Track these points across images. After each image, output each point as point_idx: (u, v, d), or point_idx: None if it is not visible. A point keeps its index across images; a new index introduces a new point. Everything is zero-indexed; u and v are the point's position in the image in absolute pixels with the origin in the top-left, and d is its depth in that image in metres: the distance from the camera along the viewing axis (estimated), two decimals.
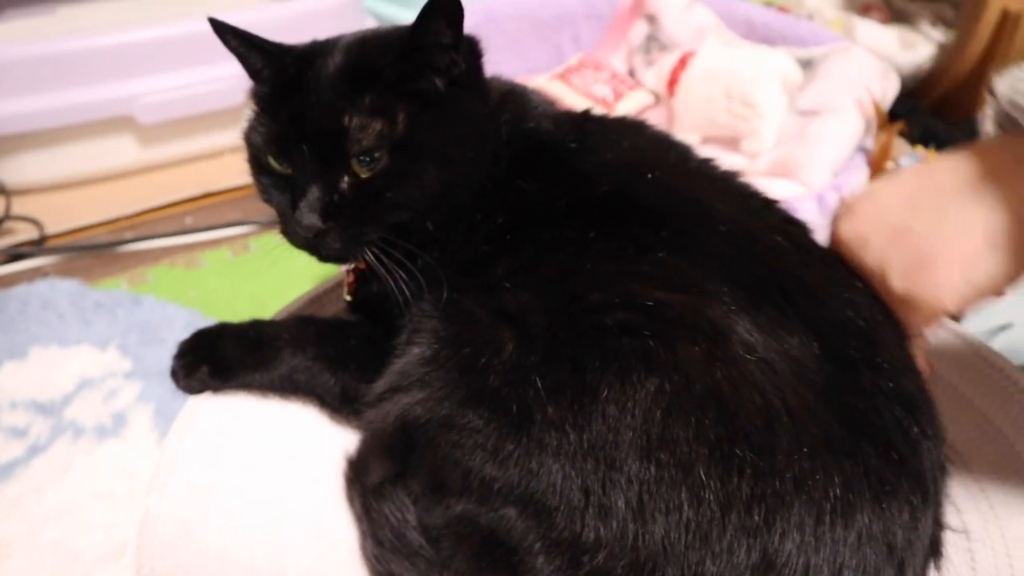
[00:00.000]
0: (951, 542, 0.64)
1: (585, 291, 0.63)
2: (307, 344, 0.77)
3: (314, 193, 0.68)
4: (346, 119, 0.68)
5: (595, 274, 0.64)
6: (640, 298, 0.61)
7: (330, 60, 0.71)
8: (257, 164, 0.74)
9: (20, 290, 1.40)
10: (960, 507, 0.69)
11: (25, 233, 1.61)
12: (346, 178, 0.69)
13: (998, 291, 0.63)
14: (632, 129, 0.82)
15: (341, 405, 0.78)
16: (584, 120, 0.82)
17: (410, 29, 0.68)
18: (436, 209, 0.72)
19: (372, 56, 0.71)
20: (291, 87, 0.70)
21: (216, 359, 0.78)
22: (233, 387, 0.78)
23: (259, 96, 0.74)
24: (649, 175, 0.72)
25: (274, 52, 0.72)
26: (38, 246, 1.58)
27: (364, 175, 0.69)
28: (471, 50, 0.75)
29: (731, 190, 0.77)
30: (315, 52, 0.72)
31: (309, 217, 0.68)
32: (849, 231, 0.70)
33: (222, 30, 0.72)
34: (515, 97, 0.81)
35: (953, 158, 0.66)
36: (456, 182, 0.72)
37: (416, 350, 0.67)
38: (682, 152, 0.81)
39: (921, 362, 0.69)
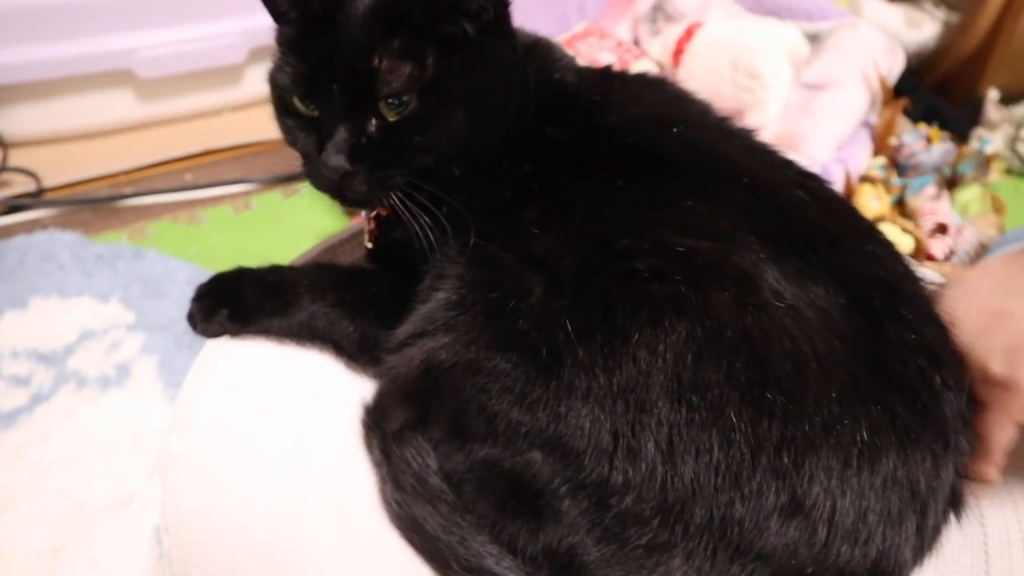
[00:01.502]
0: None
1: (614, 237, 0.63)
2: (326, 290, 0.77)
3: (341, 135, 0.68)
4: (376, 61, 0.67)
5: (624, 221, 0.64)
6: (670, 244, 0.61)
7: (359, 2, 0.70)
8: (282, 105, 0.73)
9: (19, 241, 1.38)
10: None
11: (21, 186, 1.59)
12: (374, 120, 0.69)
13: None
14: (654, 85, 0.82)
15: (359, 352, 0.78)
16: (607, 75, 0.82)
17: None
18: (463, 154, 0.71)
19: None
20: (319, 28, 0.69)
21: (235, 303, 0.77)
22: (251, 332, 0.78)
23: (285, 37, 0.73)
24: (674, 129, 0.73)
25: None
26: (36, 198, 1.56)
27: (392, 118, 0.68)
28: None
29: (751, 146, 0.77)
30: None
31: (336, 159, 0.67)
32: (959, 314, 0.67)
33: None
34: (541, 48, 0.80)
35: None
36: (483, 128, 0.72)
37: (441, 295, 0.67)
38: (702, 108, 0.81)
39: (996, 461, 0.67)
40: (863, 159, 1.50)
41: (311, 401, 0.76)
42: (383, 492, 0.69)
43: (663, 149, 0.71)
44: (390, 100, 0.68)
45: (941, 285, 0.71)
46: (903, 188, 1.50)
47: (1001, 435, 0.65)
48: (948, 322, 0.67)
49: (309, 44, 0.70)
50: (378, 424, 0.71)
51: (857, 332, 0.60)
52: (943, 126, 1.66)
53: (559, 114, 0.74)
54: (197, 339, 0.79)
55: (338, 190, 0.70)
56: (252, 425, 0.72)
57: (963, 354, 0.65)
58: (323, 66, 0.68)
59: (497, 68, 0.73)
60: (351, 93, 0.68)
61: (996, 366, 0.64)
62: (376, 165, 0.69)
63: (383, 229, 0.79)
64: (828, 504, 0.54)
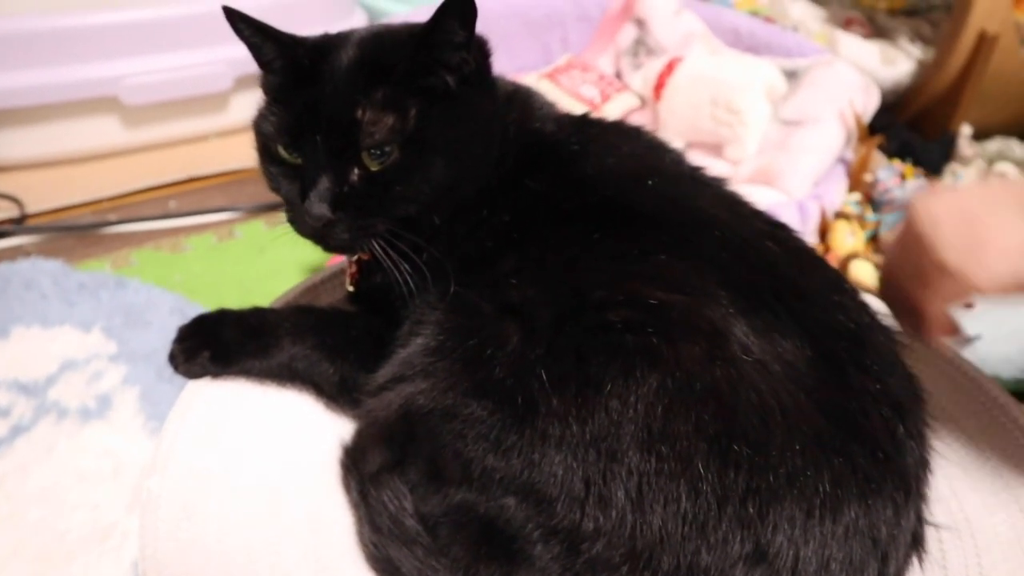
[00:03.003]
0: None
1: (589, 288, 0.65)
2: (307, 333, 0.78)
3: (324, 184, 0.69)
4: (359, 112, 0.69)
5: (599, 273, 0.66)
6: (643, 297, 0.63)
7: (344, 53, 0.72)
8: (266, 153, 0.74)
9: (1, 268, 1.39)
10: (932, 508, 0.72)
11: (4, 211, 1.59)
12: (356, 170, 0.70)
13: None
14: (630, 135, 0.84)
15: (339, 394, 0.79)
16: (584, 123, 0.84)
17: (424, 27, 0.69)
18: (443, 203, 0.73)
19: (386, 51, 0.72)
20: (304, 78, 0.71)
21: (217, 345, 0.78)
22: (233, 373, 0.79)
23: (270, 86, 0.75)
24: (649, 181, 0.75)
25: (288, 43, 0.73)
26: (19, 224, 1.56)
27: (374, 168, 0.70)
28: (480, 50, 0.76)
29: (722, 196, 0.79)
30: (328, 45, 0.73)
31: (319, 207, 0.69)
32: (926, 211, 0.78)
33: (234, 18, 0.73)
34: (520, 97, 0.82)
35: None
36: (464, 178, 0.74)
37: (420, 340, 0.69)
38: (676, 159, 0.83)
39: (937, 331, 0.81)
40: (838, 195, 1.53)
41: (291, 442, 0.77)
42: (360, 533, 0.70)
43: (638, 202, 0.73)
44: (372, 150, 0.70)
45: (936, 189, 0.85)
46: (878, 224, 1.53)
47: (937, 311, 0.80)
48: (911, 372, 0.70)
49: (294, 94, 0.72)
50: (356, 465, 0.72)
51: (822, 383, 0.62)
52: (917, 162, 1.69)
53: (538, 164, 0.76)
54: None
55: (321, 237, 0.72)
56: (232, 466, 0.73)
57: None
58: (307, 116, 0.70)
59: (477, 119, 0.75)
60: (334, 143, 0.69)
61: (948, 255, 0.75)
62: (358, 213, 0.71)
63: (364, 273, 0.80)
64: (791, 553, 0.56)
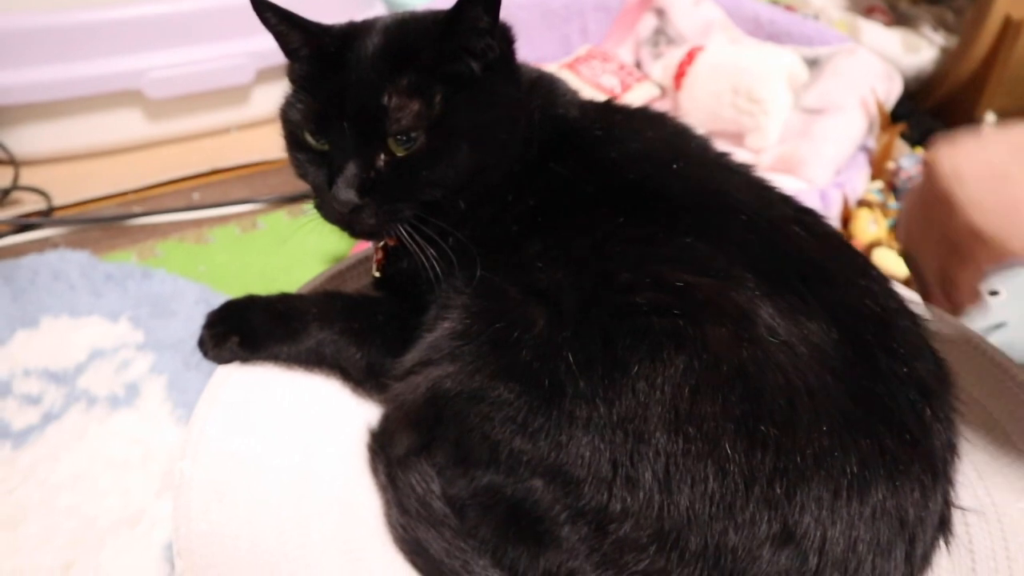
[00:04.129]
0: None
1: (615, 271, 0.65)
2: (334, 318, 0.79)
3: (351, 170, 0.70)
4: (385, 98, 0.70)
5: (624, 256, 0.67)
6: (669, 279, 0.63)
7: (369, 41, 0.72)
8: (294, 140, 0.75)
9: (30, 260, 1.41)
10: (959, 492, 0.72)
11: (32, 204, 1.62)
12: (383, 156, 0.71)
13: None
14: (655, 120, 0.84)
15: (366, 378, 0.80)
16: (608, 109, 0.84)
17: (448, 13, 0.70)
18: (469, 188, 0.74)
19: (411, 38, 0.73)
20: (330, 66, 0.72)
21: (246, 330, 0.79)
22: (261, 358, 0.80)
23: (297, 74, 0.76)
24: (674, 165, 0.75)
25: (314, 31, 0.74)
26: (47, 217, 1.58)
27: (400, 153, 0.71)
28: (504, 36, 0.77)
29: (749, 182, 0.79)
30: (354, 33, 0.74)
31: (346, 193, 0.70)
32: (949, 165, 0.73)
33: (261, 7, 0.73)
34: (544, 84, 0.83)
35: None
36: (489, 163, 0.74)
37: (447, 324, 0.69)
38: (702, 144, 0.83)
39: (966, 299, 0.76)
40: (861, 183, 1.52)
41: (319, 426, 0.78)
42: (388, 515, 0.71)
43: (663, 185, 0.73)
44: (398, 136, 0.70)
45: (955, 139, 0.77)
46: (900, 212, 1.52)
47: (970, 278, 0.75)
48: (940, 357, 0.69)
49: (320, 81, 0.73)
50: (384, 449, 0.73)
51: (849, 366, 0.62)
52: None
53: (562, 149, 0.76)
54: (206, 360, 0.81)
55: (347, 222, 0.73)
56: (262, 450, 0.74)
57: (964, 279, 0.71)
58: (334, 103, 0.71)
59: (502, 105, 0.75)
60: (361, 129, 0.70)
61: (978, 217, 0.70)
62: (385, 199, 0.71)
63: (390, 259, 0.81)
64: (819, 534, 0.56)
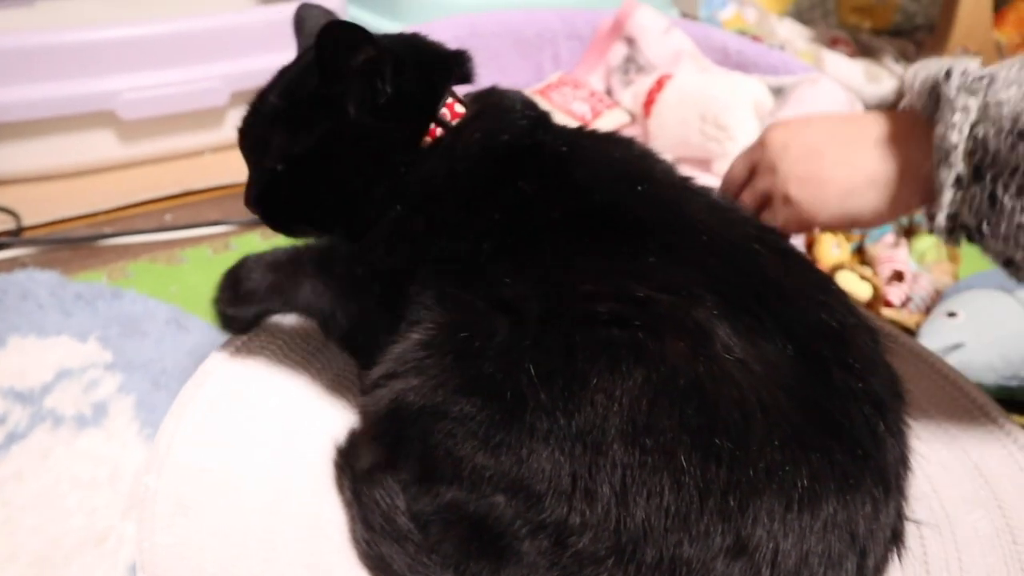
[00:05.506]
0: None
1: (578, 282, 0.67)
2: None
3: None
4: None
5: (588, 269, 0.68)
6: (631, 291, 0.65)
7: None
8: None
9: None
10: (913, 505, 0.74)
11: (1, 224, 1.60)
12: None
13: (863, 224, 0.83)
14: (622, 144, 0.86)
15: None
16: (578, 133, 0.86)
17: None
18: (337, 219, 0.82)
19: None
20: None
21: None
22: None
23: None
24: (639, 187, 0.76)
25: None
26: (15, 237, 1.57)
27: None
28: (426, 75, 0.81)
29: (711, 204, 0.81)
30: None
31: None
32: (777, 137, 0.85)
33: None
34: (489, 111, 0.85)
35: (875, 115, 0.83)
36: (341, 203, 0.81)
37: (415, 336, 0.70)
38: (666, 168, 0.85)
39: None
40: None
41: (287, 442, 0.79)
42: (353, 531, 0.72)
43: (630, 206, 0.74)
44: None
45: (789, 118, 0.94)
46: (863, 236, 1.56)
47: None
48: (894, 372, 0.71)
49: None
50: (349, 463, 0.74)
51: (803, 383, 0.64)
52: None
53: (531, 171, 0.78)
54: (174, 380, 0.82)
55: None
56: (229, 464, 0.75)
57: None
58: None
59: (368, 153, 0.80)
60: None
61: (792, 188, 0.83)
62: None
63: None
64: (771, 546, 0.58)
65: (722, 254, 0.71)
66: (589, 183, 0.76)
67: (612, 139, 0.87)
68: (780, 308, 0.68)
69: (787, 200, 0.83)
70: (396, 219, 0.78)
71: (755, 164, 0.89)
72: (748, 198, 0.89)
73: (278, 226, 0.85)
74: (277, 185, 0.81)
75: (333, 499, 0.74)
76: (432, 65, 0.82)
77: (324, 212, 0.82)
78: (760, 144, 0.88)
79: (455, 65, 0.85)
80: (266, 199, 0.82)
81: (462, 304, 0.70)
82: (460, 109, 0.83)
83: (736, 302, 0.66)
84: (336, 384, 0.85)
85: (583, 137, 0.86)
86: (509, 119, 0.83)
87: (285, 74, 0.83)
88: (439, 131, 0.81)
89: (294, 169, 0.79)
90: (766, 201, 0.87)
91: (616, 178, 0.78)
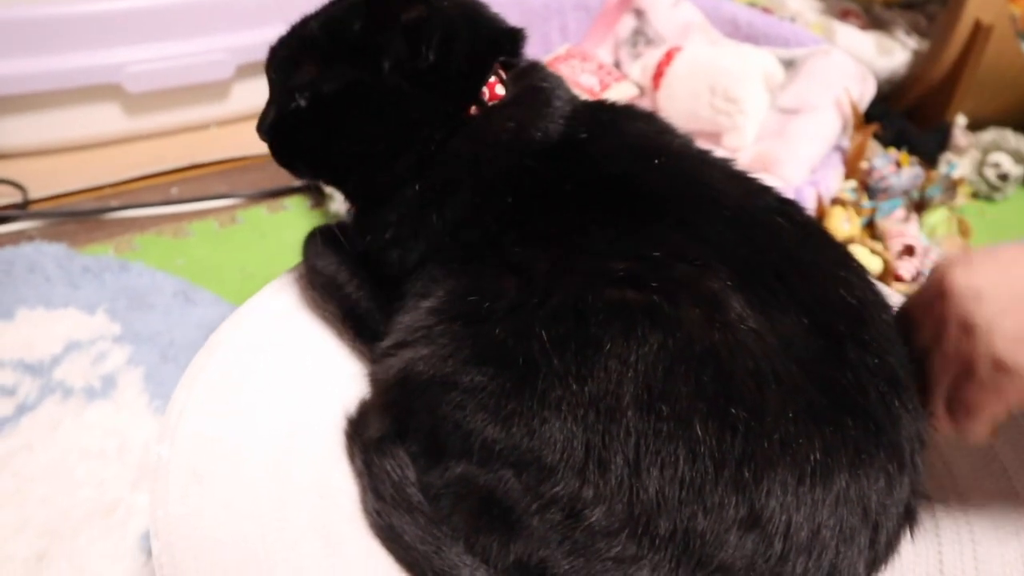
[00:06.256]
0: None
1: (590, 245, 0.66)
2: None
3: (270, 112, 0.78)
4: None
5: (601, 238, 0.67)
6: (646, 252, 0.63)
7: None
8: None
9: (5, 252, 1.40)
10: (925, 480, 0.73)
11: (8, 197, 1.60)
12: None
13: None
14: (641, 117, 0.83)
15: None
16: (597, 109, 0.83)
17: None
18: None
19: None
20: None
21: None
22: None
23: None
24: (656, 160, 0.75)
25: None
26: (23, 210, 1.57)
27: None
28: (476, 52, 0.77)
29: (731, 174, 0.79)
30: None
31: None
32: (964, 282, 0.66)
33: None
34: (527, 102, 0.79)
35: None
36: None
37: (425, 303, 0.70)
38: (685, 140, 0.83)
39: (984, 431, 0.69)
40: (835, 182, 1.54)
41: (299, 412, 0.79)
42: (364, 501, 0.72)
43: (646, 179, 0.73)
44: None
45: (971, 252, 0.71)
46: (873, 211, 1.55)
47: (993, 411, 0.67)
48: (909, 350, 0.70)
49: None
50: (359, 434, 0.74)
51: (818, 357, 0.62)
52: (912, 151, 1.71)
53: (557, 167, 0.75)
54: (182, 352, 0.82)
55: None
56: (241, 434, 0.74)
57: (930, 374, 0.68)
58: None
59: (392, 118, 0.76)
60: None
61: (1000, 345, 0.63)
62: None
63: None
64: (784, 518, 0.57)
65: (742, 226, 0.69)
66: (603, 159, 0.74)
67: (631, 113, 0.84)
68: (797, 282, 0.66)
69: (1000, 367, 0.64)
70: (411, 202, 0.75)
71: (936, 322, 0.69)
72: (939, 370, 0.69)
73: (283, 160, 0.81)
74: (295, 120, 0.77)
75: (344, 468, 0.74)
76: (485, 41, 0.78)
77: (336, 163, 0.79)
78: (938, 294, 0.68)
79: (508, 42, 0.81)
80: (280, 130, 0.78)
81: (471, 271, 0.69)
82: (500, 91, 0.79)
83: (752, 275, 0.65)
84: (347, 353, 0.85)
85: (603, 112, 0.82)
86: (545, 115, 0.78)
87: (335, 5, 0.77)
88: (474, 109, 0.78)
89: (316, 108, 0.75)
90: (966, 371, 0.67)
91: (632, 152, 0.76)
